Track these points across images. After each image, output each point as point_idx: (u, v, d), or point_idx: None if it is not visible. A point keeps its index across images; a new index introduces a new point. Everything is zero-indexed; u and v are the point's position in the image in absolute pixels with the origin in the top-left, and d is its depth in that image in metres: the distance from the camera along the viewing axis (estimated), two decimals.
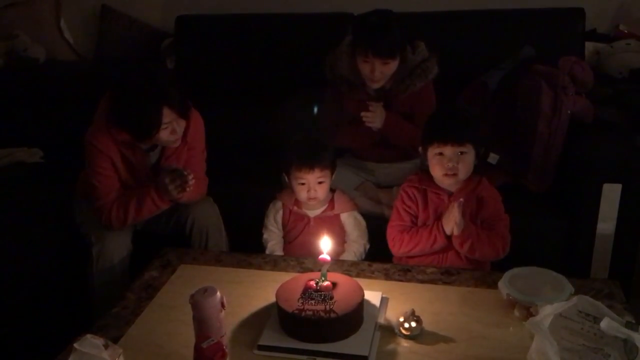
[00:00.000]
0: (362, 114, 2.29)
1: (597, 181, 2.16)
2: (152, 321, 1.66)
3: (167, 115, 1.95)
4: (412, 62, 2.30)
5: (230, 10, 3.07)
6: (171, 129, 1.99)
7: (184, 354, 1.45)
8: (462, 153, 1.87)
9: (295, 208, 2.11)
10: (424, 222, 1.98)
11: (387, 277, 1.81)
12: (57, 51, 3.33)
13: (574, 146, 2.30)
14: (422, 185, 1.99)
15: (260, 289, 1.75)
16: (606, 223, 2.18)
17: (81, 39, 3.46)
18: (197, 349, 1.36)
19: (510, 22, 2.73)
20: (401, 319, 1.54)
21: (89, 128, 2.08)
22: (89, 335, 1.44)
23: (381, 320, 1.59)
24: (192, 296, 1.45)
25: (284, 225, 2.16)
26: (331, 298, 1.53)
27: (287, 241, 2.16)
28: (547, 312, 1.39)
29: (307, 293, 1.55)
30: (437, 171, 1.91)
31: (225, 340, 1.48)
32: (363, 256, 2.09)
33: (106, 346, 1.41)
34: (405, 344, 1.52)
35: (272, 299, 1.62)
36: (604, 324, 1.34)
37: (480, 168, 1.99)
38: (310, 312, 1.50)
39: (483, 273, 1.83)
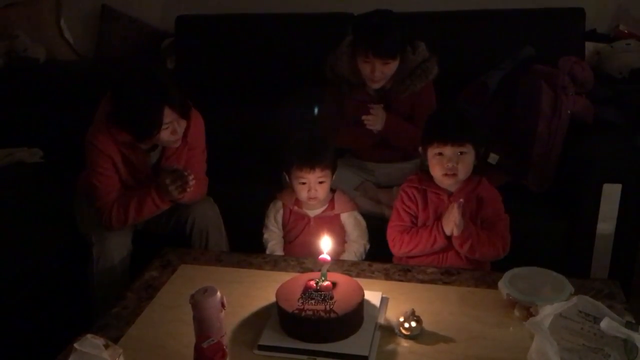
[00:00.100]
0: (364, 117, 2.29)
1: (597, 181, 2.16)
2: (153, 321, 1.66)
3: (168, 115, 1.95)
4: (412, 63, 2.30)
5: (230, 10, 3.07)
6: (172, 129, 1.99)
7: (184, 353, 1.45)
8: (461, 153, 1.88)
9: (296, 208, 2.11)
10: (423, 222, 1.98)
11: (387, 277, 1.81)
12: (57, 51, 3.34)
13: (574, 146, 2.30)
14: (422, 185, 1.99)
15: (260, 289, 1.75)
16: (606, 223, 2.18)
17: (81, 39, 3.46)
18: (198, 348, 1.36)
19: (510, 22, 2.73)
20: (401, 319, 1.54)
21: (89, 128, 2.08)
22: (89, 335, 1.44)
23: (381, 320, 1.59)
24: (192, 296, 1.45)
25: (284, 225, 2.16)
26: (331, 298, 1.53)
27: (288, 241, 2.16)
28: (547, 312, 1.39)
29: (307, 293, 1.55)
30: (436, 171, 1.92)
31: (226, 340, 1.48)
32: (363, 256, 2.09)
33: (106, 346, 1.41)
34: (405, 344, 1.52)
35: (272, 299, 1.62)
36: (604, 324, 1.34)
37: (480, 168, 1.99)
38: (311, 312, 1.50)
39: (483, 273, 1.83)
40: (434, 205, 1.97)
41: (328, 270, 1.59)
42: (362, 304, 1.55)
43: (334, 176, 2.06)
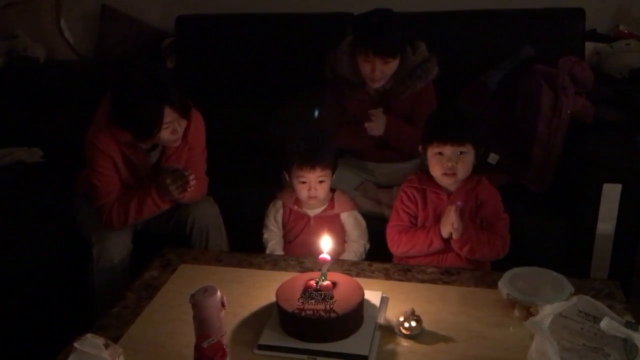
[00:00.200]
0: (366, 124, 2.28)
1: (597, 181, 2.16)
2: (153, 321, 1.66)
3: (169, 114, 1.95)
4: (412, 63, 2.30)
5: (230, 10, 3.07)
6: (172, 128, 1.99)
7: (185, 353, 1.45)
8: (461, 153, 1.88)
9: (296, 207, 2.12)
10: (423, 221, 1.98)
11: (387, 276, 1.81)
12: (57, 51, 3.34)
13: (574, 146, 2.30)
14: (421, 185, 1.99)
15: (260, 289, 1.75)
16: (606, 223, 2.18)
17: (81, 38, 3.46)
18: (198, 348, 1.36)
19: (510, 22, 2.73)
20: (401, 319, 1.54)
21: (89, 128, 2.08)
22: (89, 335, 1.44)
23: (381, 320, 1.59)
24: (192, 296, 1.45)
25: (284, 225, 2.16)
26: (331, 297, 1.53)
27: (288, 240, 2.16)
28: (547, 312, 1.39)
29: (307, 293, 1.54)
30: (436, 170, 1.92)
31: (226, 340, 1.48)
32: (363, 256, 2.09)
33: (106, 346, 1.41)
34: (405, 343, 1.52)
35: (272, 298, 1.62)
36: (604, 323, 1.34)
37: (480, 168, 1.99)
38: (311, 312, 1.50)
39: (483, 273, 1.83)
40: (433, 205, 1.97)
41: (328, 270, 1.59)
42: (362, 303, 1.55)
43: (334, 176, 2.06)
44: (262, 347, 1.51)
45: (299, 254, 2.03)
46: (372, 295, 1.65)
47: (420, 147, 1.97)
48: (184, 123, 2.04)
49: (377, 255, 2.04)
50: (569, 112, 2.30)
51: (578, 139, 2.31)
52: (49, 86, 3.09)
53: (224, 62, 2.96)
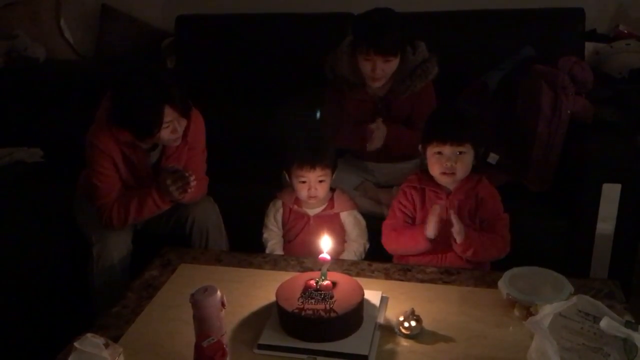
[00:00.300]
0: (367, 145, 2.28)
1: (596, 181, 2.16)
2: (153, 320, 1.66)
3: (169, 114, 1.95)
4: (412, 63, 2.30)
5: (230, 10, 3.07)
6: (172, 128, 1.99)
7: (185, 353, 1.45)
8: (460, 153, 1.88)
9: (295, 207, 2.12)
10: (420, 221, 1.98)
11: (387, 276, 1.81)
12: (57, 51, 3.34)
13: (574, 146, 2.30)
14: (421, 184, 1.99)
15: (260, 288, 1.75)
16: (606, 223, 2.18)
17: (81, 38, 3.46)
18: (198, 348, 1.36)
19: (510, 22, 2.73)
20: (401, 319, 1.54)
21: (90, 127, 2.08)
22: (89, 334, 1.44)
23: (381, 320, 1.59)
24: (192, 295, 1.45)
25: (284, 224, 2.16)
26: (331, 297, 1.53)
27: (287, 240, 2.16)
28: (546, 312, 1.39)
29: (307, 292, 1.55)
30: (435, 170, 1.92)
31: (226, 339, 1.48)
32: (363, 255, 2.10)
33: (106, 345, 1.42)
34: (405, 343, 1.52)
35: (272, 298, 1.62)
36: (604, 323, 1.34)
37: (480, 168, 2.00)
38: (310, 312, 1.50)
39: (483, 273, 1.83)
40: (431, 204, 1.97)
41: (328, 270, 1.59)
42: (362, 303, 1.55)
43: (334, 175, 2.07)
44: (262, 347, 1.51)
45: (298, 253, 2.03)
46: (372, 295, 1.65)
47: (419, 147, 1.97)
48: (184, 122, 2.04)
49: (377, 255, 2.04)
50: (569, 112, 2.30)
51: (578, 139, 2.31)
52: (49, 86, 3.09)
53: (224, 61, 2.97)
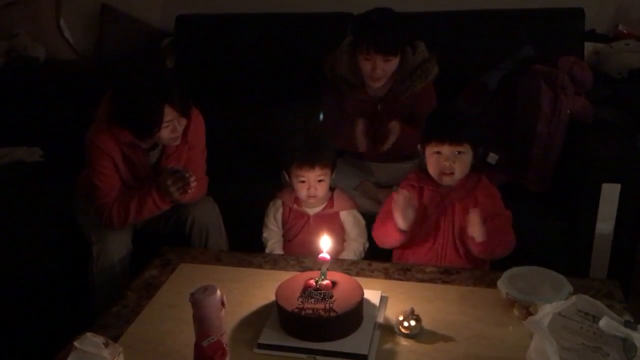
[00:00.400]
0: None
1: (596, 181, 2.16)
2: (152, 320, 1.66)
3: (169, 113, 1.95)
4: (412, 63, 2.30)
5: (230, 10, 3.07)
6: (172, 127, 2.00)
7: (184, 352, 1.46)
8: (459, 153, 1.88)
9: (295, 206, 2.12)
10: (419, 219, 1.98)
11: (387, 276, 1.81)
12: (57, 50, 3.34)
13: (574, 146, 2.31)
14: (419, 183, 1.99)
15: (260, 288, 1.75)
16: (605, 223, 2.18)
17: (81, 38, 3.47)
18: (197, 347, 1.36)
19: (510, 22, 2.73)
20: (400, 318, 1.54)
21: (90, 127, 2.08)
22: (89, 334, 1.44)
23: (381, 319, 1.59)
24: (192, 295, 1.45)
25: (284, 223, 2.16)
26: (331, 297, 1.53)
27: (287, 239, 2.17)
28: (546, 311, 1.39)
29: (307, 292, 1.55)
30: (433, 169, 1.92)
31: (226, 339, 1.48)
32: (362, 255, 2.10)
33: (106, 345, 1.42)
34: (404, 342, 1.52)
35: (272, 297, 1.62)
36: (603, 323, 1.34)
37: (480, 168, 2.00)
38: (310, 311, 1.50)
39: (482, 272, 1.83)
40: (430, 203, 1.97)
41: (327, 269, 1.60)
42: (361, 302, 1.55)
43: (333, 175, 2.07)
44: (261, 346, 1.51)
45: (298, 252, 2.03)
46: (372, 295, 1.65)
47: (419, 146, 1.98)
48: (184, 122, 2.04)
49: (377, 255, 2.04)
50: (568, 112, 2.30)
51: (578, 139, 2.31)
52: (49, 86, 3.09)
53: (224, 61, 2.97)
